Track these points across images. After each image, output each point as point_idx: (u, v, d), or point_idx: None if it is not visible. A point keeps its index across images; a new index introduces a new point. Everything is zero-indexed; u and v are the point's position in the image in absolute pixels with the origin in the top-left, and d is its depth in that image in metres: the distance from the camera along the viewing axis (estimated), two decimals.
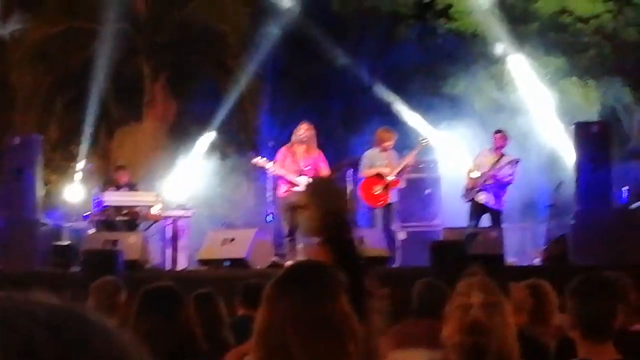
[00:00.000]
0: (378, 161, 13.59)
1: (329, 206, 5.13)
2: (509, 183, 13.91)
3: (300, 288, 2.59)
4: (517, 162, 13.92)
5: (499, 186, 13.86)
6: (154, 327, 4.04)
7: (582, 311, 4.16)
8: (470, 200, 13.93)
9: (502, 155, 13.99)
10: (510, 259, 13.82)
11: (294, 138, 12.79)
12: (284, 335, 2.51)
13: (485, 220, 13.94)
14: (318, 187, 5.47)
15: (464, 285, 3.95)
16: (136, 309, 4.21)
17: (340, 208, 5.23)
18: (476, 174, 13.87)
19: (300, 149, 12.70)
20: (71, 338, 1.02)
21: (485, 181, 13.76)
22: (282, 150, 12.96)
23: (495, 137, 14.06)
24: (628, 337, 5.10)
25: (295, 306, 2.54)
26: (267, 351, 2.56)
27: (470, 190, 13.88)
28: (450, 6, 20.91)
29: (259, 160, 13.11)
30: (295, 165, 12.62)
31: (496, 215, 13.87)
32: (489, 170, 13.78)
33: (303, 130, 12.70)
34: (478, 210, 13.88)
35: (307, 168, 12.50)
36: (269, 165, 12.89)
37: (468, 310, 3.83)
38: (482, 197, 13.81)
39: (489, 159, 13.98)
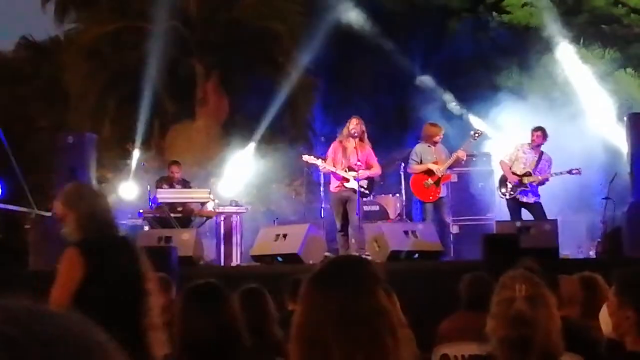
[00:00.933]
0: (427, 156, 13.55)
1: (89, 209, 5.23)
2: (547, 181, 13.80)
3: (337, 282, 2.59)
4: (579, 171, 13.78)
5: (539, 185, 13.79)
6: (196, 324, 4.08)
7: (634, 305, 4.11)
8: (512, 198, 13.78)
9: (542, 153, 13.87)
10: (565, 252, 13.71)
11: (345, 132, 12.78)
12: (320, 330, 2.51)
13: (526, 215, 13.82)
14: (73, 192, 5.54)
15: (508, 278, 3.94)
16: (180, 306, 4.25)
17: (102, 208, 5.35)
18: (518, 169, 13.74)
19: (351, 144, 12.68)
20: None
21: (533, 182, 13.64)
22: (334, 145, 12.96)
23: (534, 135, 13.89)
24: None
25: (331, 301, 2.54)
26: (304, 346, 2.56)
27: (516, 187, 13.72)
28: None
29: (309, 158, 13.14)
30: (346, 160, 12.62)
31: (539, 208, 13.71)
32: (534, 171, 13.66)
33: (353, 125, 12.68)
34: (518, 206, 13.75)
35: (358, 163, 12.50)
36: (319, 162, 12.91)
37: (512, 304, 3.82)
38: (525, 196, 13.69)
39: (532, 156, 13.83)
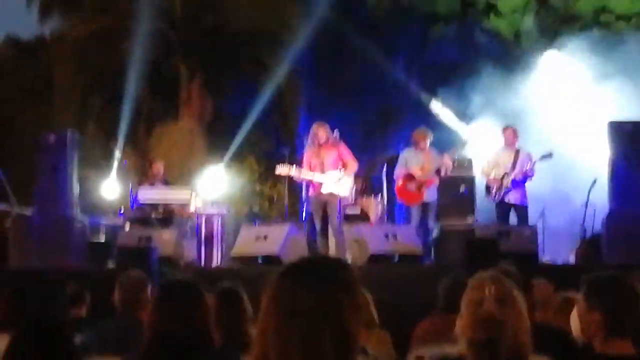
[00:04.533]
0: (413, 161, 13.61)
1: None
2: (531, 176, 13.88)
3: (300, 280, 2.60)
4: (550, 154, 13.83)
5: (523, 182, 13.84)
6: (167, 319, 4.09)
7: (601, 308, 4.16)
8: (499, 201, 13.88)
9: (518, 150, 13.97)
10: (545, 258, 13.78)
11: (314, 139, 12.77)
12: (275, 323, 2.53)
13: (513, 220, 13.91)
14: None
15: (477, 280, 3.96)
16: (153, 301, 4.25)
17: None
18: (498, 173, 13.84)
19: (323, 149, 12.70)
20: None
21: (514, 177, 13.72)
22: (306, 153, 13.00)
23: (505, 134, 14.07)
24: None
25: (291, 297, 2.55)
26: (262, 337, 2.57)
27: (498, 190, 13.82)
28: (491, 6, 20.88)
29: (284, 170, 13.09)
30: (321, 165, 12.63)
31: (524, 212, 13.84)
32: (513, 168, 13.75)
33: (314, 133, 12.71)
34: (506, 209, 13.85)
35: (336, 165, 12.53)
36: (294, 172, 12.91)
37: (481, 305, 3.84)
38: (512, 197, 13.78)
39: (506, 155, 13.94)
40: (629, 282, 4.30)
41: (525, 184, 13.93)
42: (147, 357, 4.12)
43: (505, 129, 14.20)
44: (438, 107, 19.62)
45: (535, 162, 13.78)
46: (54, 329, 4.27)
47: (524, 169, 13.72)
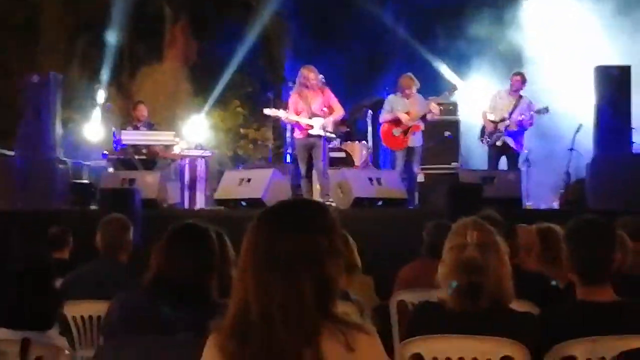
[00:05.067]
0: (398, 106, 13.54)
1: None
2: (530, 126, 13.87)
3: (279, 224, 2.57)
4: (546, 109, 13.81)
5: (521, 130, 13.82)
6: (175, 264, 4.04)
7: (577, 255, 4.16)
8: (491, 145, 13.86)
9: (521, 97, 13.92)
10: (529, 203, 13.80)
11: (303, 82, 12.74)
12: (256, 265, 2.51)
13: (503, 164, 13.91)
14: None
15: (460, 226, 3.96)
16: (163, 244, 4.16)
17: None
18: (494, 117, 13.82)
19: (309, 92, 12.69)
20: None
21: (508, 127, 13.69)
22: (292, 96, 12.97)
23: (513, 79, 13.98)
24: (631, 279, 5.07)
25: (270, 241, 2.53)
26: (242, 277, 2.55)
27: (492, 134, 13.81)
28: None
29: (271, 111, 13.13)
30: (308, 108, 12.62)
31: (515, 158, 13.87)
32: (510, 115, 13.71)
33: (304, 76, 12.67)
34: (498, 153, 13.85)
35: (324, 109, 12.54)
36: (282, 114, 12.92)
37: (463, 250, 3.83)
38: (508, 140, 13.75)
39: (508, 101, 13.89)
40: (610, 227, 4.30)
41: (524, 132, 13.90)
42: (145, 298, 4.08)
43: (515, 74, 14.09)
44: (425, 51, 19.52)
45: (532, 114, 13.74)
46: (37, 271, 4.25)
47: (521, 118, 13.68)
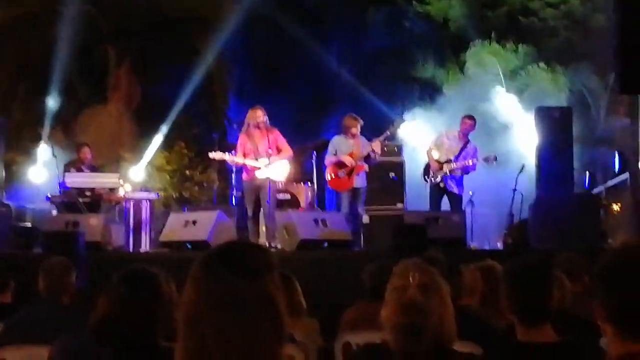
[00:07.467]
0: (343, 147, 13.60)
1: None
2: (473, 170, 14.02)
3: (224, 266, 2.56)
4: (495, 158, 13.98)
5: (464, 174, 13.97)
6: (124, 311, 3.98)
7: (515, 297, 4.21)
8: (434, 185, 13.97)
9: (468, 141, 14.07)
10: (473, 243, 13.89)
11: (251, 123, 12.79)
12: (201, 312, 2.49)
13: (445, 204, 14.02)
14: None
15: (401, 267, 3.97)
16: (111, 289, 4.09)
17: None
18: (438, 155, 13.94)
19: (257, 133, 12.74)
20: None
21: (452, 171, 13.82)
22: (240, 137, 13.00)
23: (464, 122, 14.12)
24: (571, 319, 5.13)
25: (214, 283, 2.51)
26: (187, 328, 2.53)
27: (435, 173, 13.91)
28: None
29: (217, 155, 13.11)
30: (255, 150, 12.66)
31: (458, 200, 13.98)
32: (457, 158, 13.84)
33: (260, 116, 12.72)
34: (440, 193, 13.96)
35: (269, 151, 12.59)
36: (228, 157, 12.97)
37: (405, 292, 3.85)
38: (449, 184, 13.87)
39: (455, 144, 14.02)
40: (547, 267, 4.36)
41: (464, 176, 14.05)
42: (89, 342, 4.02)
43: (467, 117, 14.25)
44: (370, 94, 19.66)
45: (478, 160, 13.88)
46: None
47: (466, 164, 13.81)
